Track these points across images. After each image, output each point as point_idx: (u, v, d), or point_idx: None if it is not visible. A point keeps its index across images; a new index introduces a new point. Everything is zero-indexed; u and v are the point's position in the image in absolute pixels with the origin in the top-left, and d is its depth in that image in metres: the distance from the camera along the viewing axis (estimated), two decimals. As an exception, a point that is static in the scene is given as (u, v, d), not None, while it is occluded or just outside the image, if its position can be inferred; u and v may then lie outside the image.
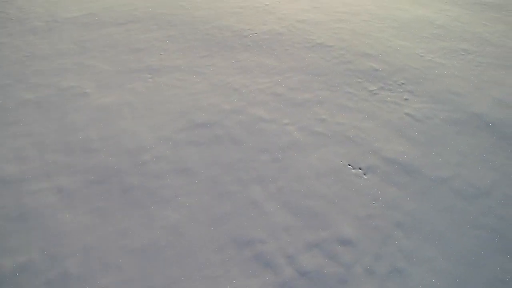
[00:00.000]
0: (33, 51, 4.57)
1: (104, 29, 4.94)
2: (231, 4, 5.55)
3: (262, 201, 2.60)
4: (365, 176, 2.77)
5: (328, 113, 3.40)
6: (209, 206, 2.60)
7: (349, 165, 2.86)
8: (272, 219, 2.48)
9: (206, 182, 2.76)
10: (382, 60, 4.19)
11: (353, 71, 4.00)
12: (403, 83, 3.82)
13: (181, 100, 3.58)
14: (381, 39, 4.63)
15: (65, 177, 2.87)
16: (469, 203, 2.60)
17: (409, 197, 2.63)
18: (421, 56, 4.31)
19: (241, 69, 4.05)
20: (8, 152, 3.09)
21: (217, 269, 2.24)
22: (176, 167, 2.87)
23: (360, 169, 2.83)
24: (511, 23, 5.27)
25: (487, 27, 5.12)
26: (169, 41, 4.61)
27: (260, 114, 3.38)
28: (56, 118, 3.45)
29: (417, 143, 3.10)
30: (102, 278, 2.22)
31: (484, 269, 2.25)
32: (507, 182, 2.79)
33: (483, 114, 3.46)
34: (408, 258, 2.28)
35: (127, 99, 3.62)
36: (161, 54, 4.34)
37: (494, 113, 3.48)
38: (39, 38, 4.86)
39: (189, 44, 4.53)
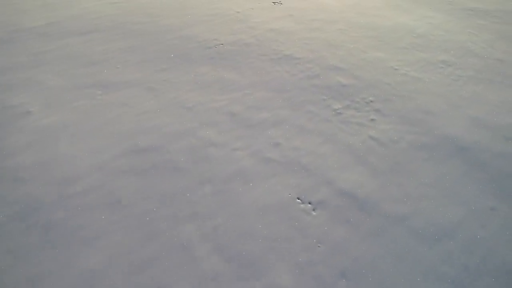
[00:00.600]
0: (-13, 64, 4.33)
1: (64, 40, 4.68)
2: (201, 11, 5.28)
3: (194, 243, 2.32)
4: (314, 213, 2.48)
5: (285, 136, 3.10)
6: (134, 247, 2.32)
7: (298, 198, 2.57)
8: (201, 265, 2.19)
9: (137, 218, 2.49)
10: (352, 75, 3.88)
11: (319, 87, 3.70)
12: (371, 101, 3.51)
13: (128, 121, 3.31)
14: (354, 51, 4.32)
15: (-14, 210, 2.61)
16: (428, 247, 2.30)
17: (359, 239, 2.33)
18: (396, 69, 4.00)
19: (200, 84, 3.77)
20: None
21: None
22: (107, 200, 2.60)
23: (309, 203, 2.53)
24: (498, 31, 4.93)
25: (472, 36, 4.78)
26: (129, 53, 4.34)
27: (210, 138, 3.10)
28: (-7, 140, 3.20)
29: (378, 172, 2.80)
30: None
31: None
32: (476, 220, 2.48)
33: (457, 136, 3.14)
34: (351, 315, 1.99)
35: (71, 120, 3.35)
36: (117, 67, 4.08)
37: (469, 135, 3.16)
38: (-3, 50, 4.62)
39: (150, 56, 4.26)
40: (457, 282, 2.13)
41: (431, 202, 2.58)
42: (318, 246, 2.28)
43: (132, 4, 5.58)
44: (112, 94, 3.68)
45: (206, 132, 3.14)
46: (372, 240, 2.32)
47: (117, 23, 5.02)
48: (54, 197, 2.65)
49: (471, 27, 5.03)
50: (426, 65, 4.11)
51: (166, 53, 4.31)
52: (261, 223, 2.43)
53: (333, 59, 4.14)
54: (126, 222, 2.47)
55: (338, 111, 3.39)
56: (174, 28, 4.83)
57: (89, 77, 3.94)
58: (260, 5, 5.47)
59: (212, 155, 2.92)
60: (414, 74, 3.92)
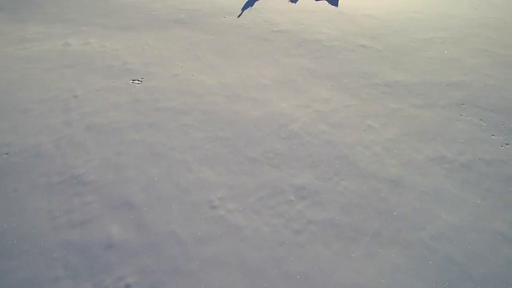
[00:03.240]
0: None
1: None
2: (31, 95, 4.12)
3: None
4: None
5: None
6: None
7: None
8: None
9: None
10: (137, 224, 2.54)
11: (65, 249, 2.38)
12: (128, 286, 2.16)
13: None
14: (178, 166, 3.01)
15: None
16: None
17: None
18: (214, 207, 2.65)
19: None
20: None
21: None
22: None
23: None
24: (409, 123, 3.51)
25: (368, 134, 3.40)
26: None
27: None
28: None
29: None
30: None
31: None
32: None
33: None
34: None
35: None
36: None
37: None
38: None
39: None
40: None
41: None
42: None
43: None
44: None
45: None
46: None
47: None
48: None
49: (374, 116, 3.66)
50: (267, 196, 2.74)
51: None
52: None
53: (134, 187, 2.84)
54: None
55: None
56: (-26, 124, 3.70)
57: None
58: (114, 83, 4.32)
59: None
60: (236, 218, 2.56)
